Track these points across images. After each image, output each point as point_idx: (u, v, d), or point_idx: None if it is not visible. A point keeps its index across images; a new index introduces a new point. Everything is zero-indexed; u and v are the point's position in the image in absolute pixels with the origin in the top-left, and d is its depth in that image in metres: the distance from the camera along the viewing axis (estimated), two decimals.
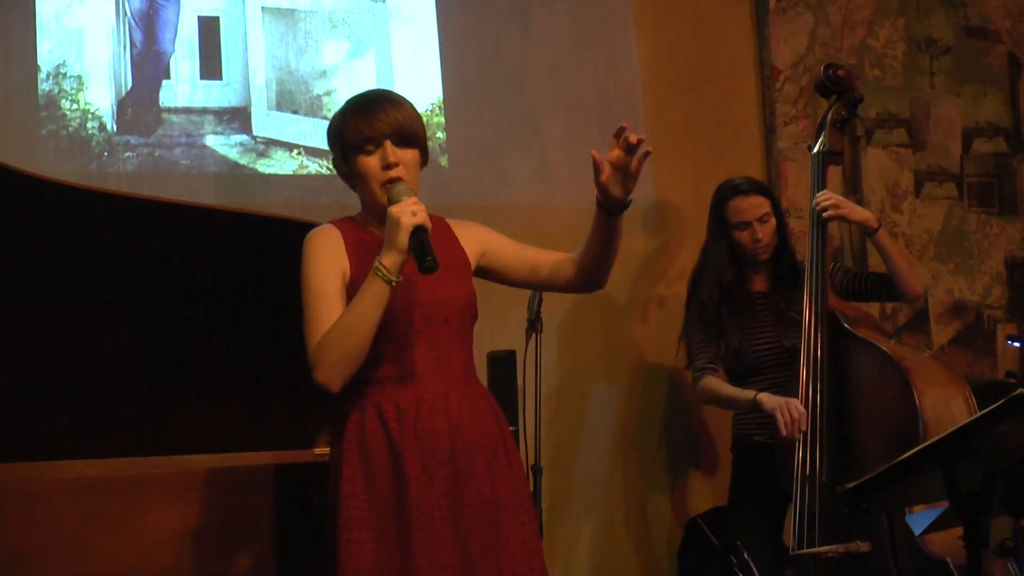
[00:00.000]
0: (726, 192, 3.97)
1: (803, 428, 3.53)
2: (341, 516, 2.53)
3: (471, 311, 2.68)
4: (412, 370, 2.59)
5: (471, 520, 2.55)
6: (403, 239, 2.47)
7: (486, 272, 2.78)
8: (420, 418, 2.57)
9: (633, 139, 2.59)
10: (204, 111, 4.17)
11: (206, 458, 2.95)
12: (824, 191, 3.78)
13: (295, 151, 4.27)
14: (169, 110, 4.14)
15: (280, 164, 4.25)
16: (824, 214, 3.74)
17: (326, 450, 2.87)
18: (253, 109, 4.23)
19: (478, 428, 2.61)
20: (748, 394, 3.73)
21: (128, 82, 4.10)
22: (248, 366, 3.06)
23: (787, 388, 3.69)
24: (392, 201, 2.53)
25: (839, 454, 3.53)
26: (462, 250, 2.73)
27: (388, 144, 2.59)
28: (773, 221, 3.94)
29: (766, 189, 4.07)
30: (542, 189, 4.55)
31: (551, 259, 2.77)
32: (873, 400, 3.51)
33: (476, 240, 2.75)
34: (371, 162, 2.60)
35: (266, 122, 4.25)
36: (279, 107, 4.27)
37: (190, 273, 2.97)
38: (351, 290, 2.58)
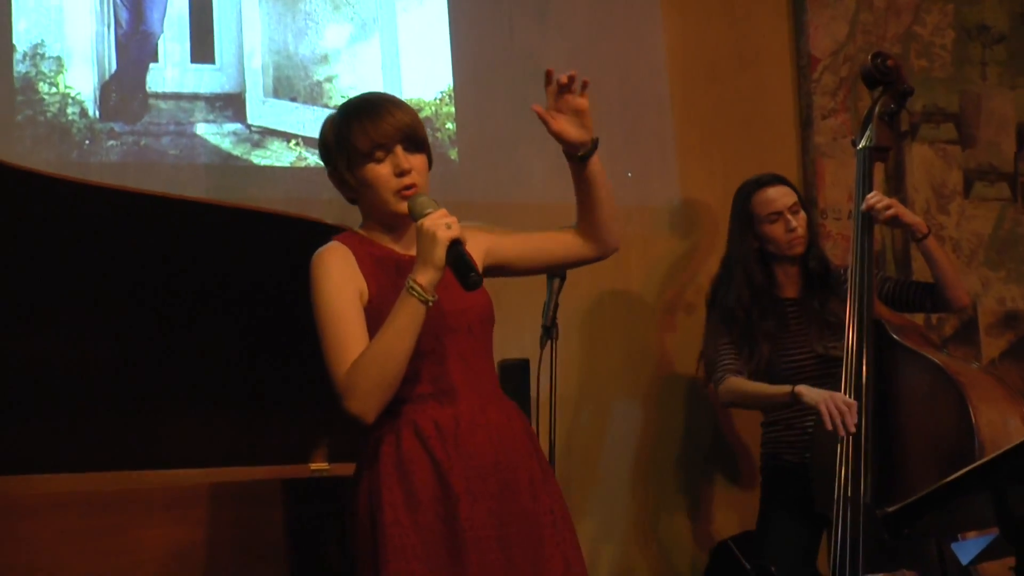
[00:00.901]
0: (749, 187, 4.01)
1: (854, 422, 3.50)
2: (388, 546, 2.51)
3: (491, 317, 2.71)
4: (446, 385, 2.60)
5: (516, 538, 2.57)
6: (440, 254, 2.46)
7: (495, 270, 2.78)
8: (460, 434, 2.58)
9: (564, 79, 2.67)
10: (195, 97, 4.16)
11: (195, 473, 2.97)
12: (874, 192, 3.77)
13: (293, 141, 4.27)
14: (157, 95, 4.12)
15: (276, 155, 4.25)
16: (881, 216, 3.73)
17: (323, 465, 2.87)
18: (248, 96, 4.22)
19: (516, 442, 2.64)
20: (783, 388, 3.71)
21: (112, 64, 4.10)
22: (241, 375, 3.07)
23: None
24: (417, 215, 2.52)
25: (883, 475, 3.52)
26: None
27: (399, 150, 2.59)
28: (803, 213, 3.97)
29: (790, 182, 4.09)
30: (559, 186, 4.44)
31: (556, 235, 2.80)
32: (923, 417, 3.52)
33: (478, 240, 2.73)
34: (382, 170, 2.59)
35: (262, 110, 4.24)
36: (276, 94, 4.26)
37: (179, 274, 2.97)
38: (371, 310, 2.57)
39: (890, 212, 3.74)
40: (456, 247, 2.47)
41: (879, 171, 4.57)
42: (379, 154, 2.59)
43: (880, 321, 3.67)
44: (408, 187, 2.59)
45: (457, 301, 2.60)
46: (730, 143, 4.73)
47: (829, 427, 3.51)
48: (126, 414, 2.98)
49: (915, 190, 4.87)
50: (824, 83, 4.81)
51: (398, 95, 4.28)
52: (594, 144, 2.68)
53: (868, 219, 3.77)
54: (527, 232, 2.82)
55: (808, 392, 3.62)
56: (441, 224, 2.47)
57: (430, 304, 2.48)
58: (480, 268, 2.70)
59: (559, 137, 2.68)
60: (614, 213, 2.76)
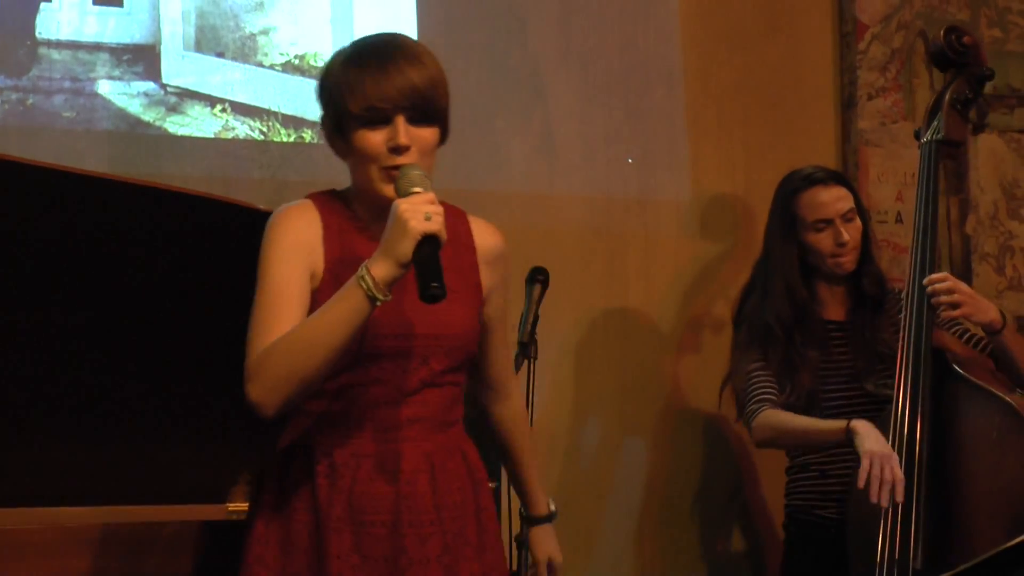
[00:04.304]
0: (797, 183, 3.98)
1: (898, 499, 3.49)
2: None
3: (469, 352, 2.69)
4: (360, 416, 2.59)
5: None
6: (406, 249, 2.43)
7: None
8: (358, 480, 2.58)
9: None
10: (96, 47, 4.13)
11: (82, 512, 2.95)
12: (944, 275, 3.73)
13: (219, 107, 4.26)
14: (48, 43, 4.09)
15: (198, 123, 4.23)
16: (938, 307, 3.68)
17: (243, 506, 2.88)
18: (163, 48, 4.20)
19: (439, 497, 2.62)
20: (837, 424, 3.67)
21: None
22: (144, 392, 3.05)
23: None
24: (401, 192, 2.50)
25: (937, 535, 3.52)
26: (476, 267, 2.72)
27: (400, 121, 2.56)
28: (858, 222, 3.96)
29: (848, 182, 4.09)
30: (544, 171, 4.54)
31: (493, 373, 2.88)
32: (989, 466, 3.53)
33: (496, 269, 2.76)
34: (374, 139, 2.56)
35: (181, 66, 4.22)
36: (199, 47, 4.24)
37: (66, 267, 2.94)
38: (321, 294, 2.57)
39: (961, 312, 3.69)
40: (429, 245, 2.44)
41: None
42: (374, 119, 2.56)
43: (940, 350, 3.67)
44: (401, 166, 2.56)
45: (425, 322, 2.59)
46: (754, 126, 4.75)
47: (860, 485, 3.48)
48: (6, 441, 2.96)
49: (980, 190, 4.90)
50: (872, 55, 4.82)
51: None
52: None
53: (931, 227, 3.76)
54: (500, 331, 2.85)
55: (865, 434, 3.56)
56: (420, 211, 2.44)
57: (378, 303, 2.46)
58: (479, 289, 2.72)
59: None
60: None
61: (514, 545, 3.51)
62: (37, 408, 2.99)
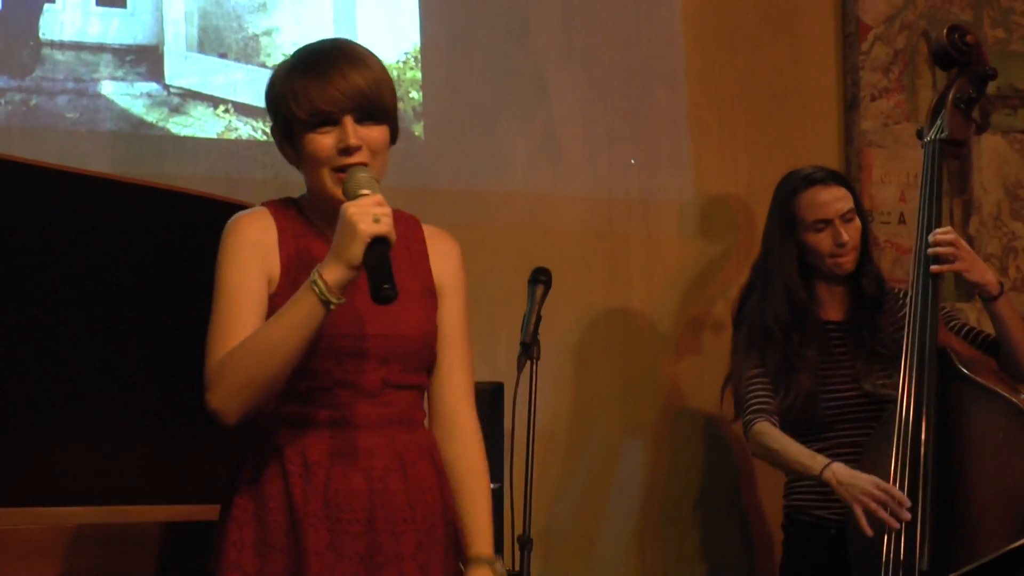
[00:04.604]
0: (797, 183, 3.98)
1: (906, 507, 3.50)
2: None
3: (429, 353, 2.70)
4: (329, 416, 2.60)
5: None
6: (356, 252, 2.44)
7: None
8: (333, 477, 2.58)
9: None
10: (100, 48, 4.13)
11: (86, 512, 2.95)
12: (946, 228, 3.73)
13: (221, 108, 4.26)
14: (52, 44, 4.10)
15: (201, 124, 4.23)
16: (938, 252, 3.69)
17: None
18: (166, 49, 4.20)
19: (411, 495, 2.63)
20: (814, 463, 3.69)
21: None
22: (146, 392, 3.06)
23: (870, 447, 3.69)
24: (349, 194, 2.51)
25: (943, 536, 3.52)
26: (430, 272, 2.74)
27: (348, 121, 2.58)
28: (858, 222, 3.95)
29: (847, 181, 4.08)
30: (546, 171, 4.54)
31: (444, 397, 2.75)
32: (996, 467, 3.52)
33: (447, 273, 2.75)
34: (323, 142, 2.58)
35: (184, 67, 4.22)
36: (202, 48, 4.25)
37: (70, 267, 2.95)
38: (278, 298, 2.58)
39: (956, 266, 3.72)
40: (379, 247, 2.45)
41: None
42: (321, 123, 2.59)
43: (945, 350, 3.67)
44: (352, 166, 2.58)
45: (381, 323, 2.60)
46: (757, 127, 4.75)
47: (870, 533, 3.50)
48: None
49: (983, 190, 4.89)
50: (875, 56, 4.82)
51: None
52: None
53: (934, 227, 3.74)
54: (461, 338, 2.76)
55: (839, 480, 3.59)
56: (368, 214, 2.45)
57: (332, 307, 2.47)
58: (432, 294, 2.72)
59: None
60: None
61: (516, 545, 3.52)
62: (37, 408, 2.99)
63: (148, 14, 4.19)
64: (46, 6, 4.10)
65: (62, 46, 4.11)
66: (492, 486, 2.77)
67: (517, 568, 3.37)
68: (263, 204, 2.70)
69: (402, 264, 2.60)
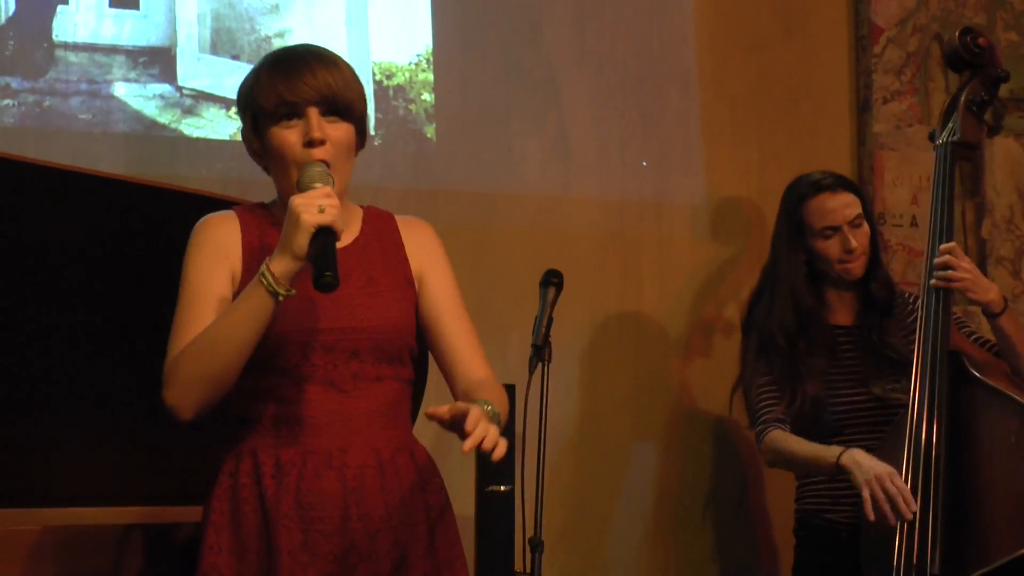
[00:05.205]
0: (804, 189, 3.97)
1: (912, 510, 3.50)
2: None
3: (401, 343, 2.69)
4: (300, 413, 2.61)
5: None
6: (301, 241, 2.47)
7: None
8: (305, 477, 2.60)
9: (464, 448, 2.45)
10: (113, 50, 4.14)
11: (86, 512, 2.96)
12: (952, 244, 3.70)
13: (234, 109, 4.19)
14: (65, 46, 4.11)
15: (213, 126, 4.23)
16: (936, 275, 3.66)
17: None
18: (179, 50, 4.21)
19: (387, 494, 2.63)
20: (830, 452, 3.68)
21: (9, 6, 4.08)
22: (152, 393, 3.03)
23: (882, 451, 3.67)
24: (302, 187, 2.54)
25: (955, 538, 3.51)
26: (406, 260, 2.76)
27: (313, 113, 2.61)
28: (866, 227, 3.94)
29: (855, 186, 4.07)
30: (559, 173, 4.54)
31: (457, 361, 2.73)
32: (1008, 471, 3.51)
33: (422, 254, 2.75)
34: (288, 136, 2.61)
35: (196, 69, 4.23)
36: (214, 50, 4.26)
37: (84, 267, 2.97)
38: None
39: (948, 282, 3.67)
40: (324, 237, 2.47)
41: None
42: (287, 115, 2.61)
43: (957, 354, 3.66)
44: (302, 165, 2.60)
45: (346, 314, 2.61)
46: (769, 129, 4.74)
47: (872, 517, 3.50)
48: None
49: (996, 193, 4.88)
50: (887, 59, 4.81)
51: (364, 57, 4.32)
52: None
53: (946, 230, 3.73)
54: (462, 315, 2.77)
55: (855, 466, 3.58)
56: (313, 205, 2.48)
57: (280, 298, 2.50)
58: (415, 278, 2.72)
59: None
60: None
61: (527, 547, 3.52)
62: (37, 408, 3.01)
63: (161, 16, 4.20)
64: (59, 8, 4.11)
65: (75, 47, 4.11)
66: (504, 488, 2.77)
67: (528, 570, 3.37)
68: (233, 208, 2.73)
69: (375, 258, 2.65)
